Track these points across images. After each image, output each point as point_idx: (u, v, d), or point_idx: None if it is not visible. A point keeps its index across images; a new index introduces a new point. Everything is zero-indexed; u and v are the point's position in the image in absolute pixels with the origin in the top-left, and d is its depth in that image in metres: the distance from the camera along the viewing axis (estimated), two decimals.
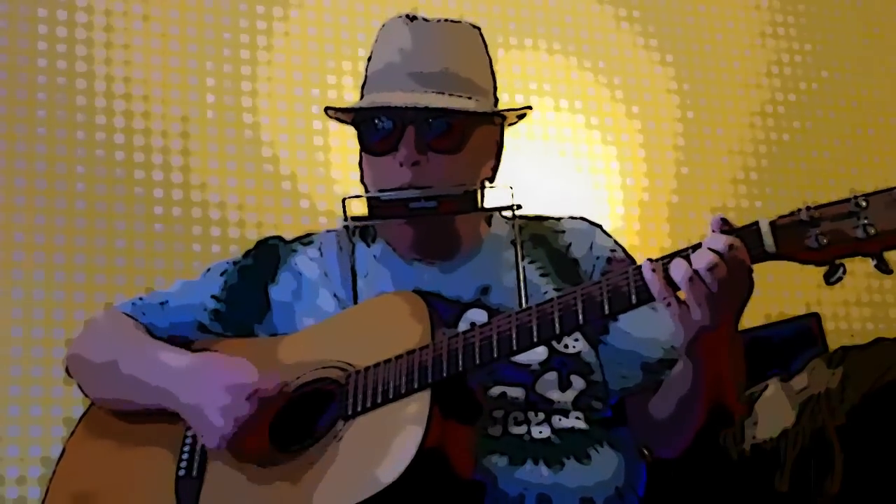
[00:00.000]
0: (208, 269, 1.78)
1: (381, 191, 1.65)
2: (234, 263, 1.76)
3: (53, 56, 2.87)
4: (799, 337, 2.78)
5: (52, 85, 2.86)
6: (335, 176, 2.99)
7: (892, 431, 2.07)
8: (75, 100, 2.87)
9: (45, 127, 2.83)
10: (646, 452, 1.66)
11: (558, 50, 3.42)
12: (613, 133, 3.40)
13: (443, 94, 1.63)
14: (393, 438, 1.42)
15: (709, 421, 1.54)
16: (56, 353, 2.58)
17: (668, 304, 1.35)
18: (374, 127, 1.64)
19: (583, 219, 1.78)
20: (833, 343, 2.66)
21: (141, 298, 1.77)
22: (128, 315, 1.74)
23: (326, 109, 1.72)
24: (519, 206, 1.64)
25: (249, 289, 1.72)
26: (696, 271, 1.33)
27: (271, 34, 3.11)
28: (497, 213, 1.75)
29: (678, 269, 1.34)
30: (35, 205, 2.77)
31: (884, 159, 3.67)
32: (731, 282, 1.33)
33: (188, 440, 1.58)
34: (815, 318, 2.90)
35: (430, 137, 1.62)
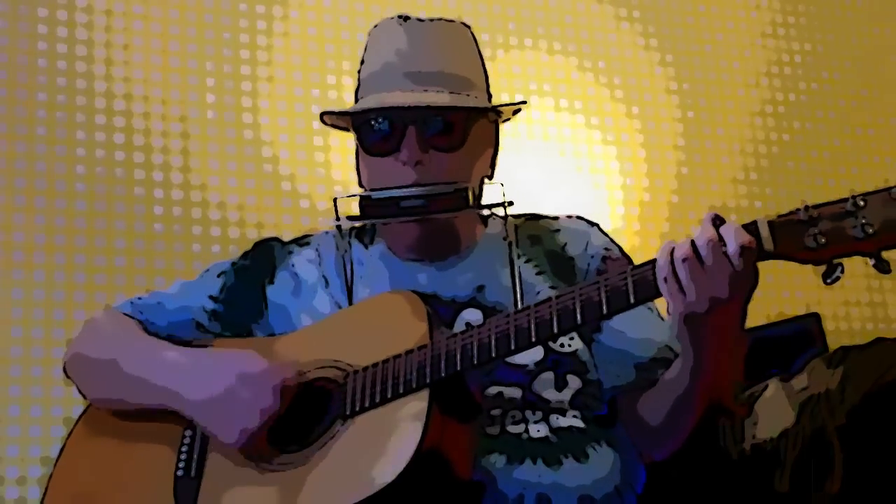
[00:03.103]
0: (206, 270, 1.79)
1: (372, 190, 1.65)
2: (233, 265, 1.77)
3: (53, 56, 2.87)
4: (799, 337, 2.78)
5: (52, 85, 2.85)
6: (335, 176, 2.99)
7: (892, 431, 2.07)
8: (75, 100, 2.86)
9: (45, 127, 2.82)
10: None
11: (558, 50, 3.41)
12: (613, 133, 3.40)
13: (442, 91, 1.63)
14: (391, 438, 1.42)
15: (706, 420, 1.54)
16: (56, 353, 2.56)
17: (665, 280, 1.35)
18: (375, 128, 1.65)
19: (580, 218, 1.78)
20: (833, 343, 2.65)
21: (140, 298, 1.78)
22: (126, 315, 1.74)
23: (322, 115, 1.72)
24: (510, 203, 1.64)
25: (247, 289, 1.73)
26: (693, 244, 1.32)
27: (271, 34, 3.11)
28: (493, 213, 1.75)
29: (680, 248, 1.34)
30: (35, 205, 2.77)
31: (884, 159, 3.67)
32: (732, 263, 1.32)
33: (186, 439, 1.58)
34: (815, 318, 2.90)
35: (432, 136, 1.62)
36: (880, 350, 2.25)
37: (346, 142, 2.90)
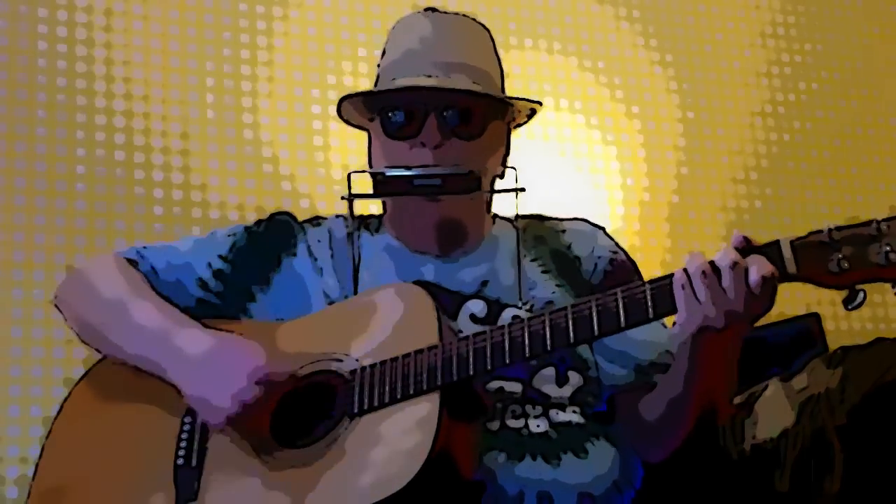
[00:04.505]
0: (213, 232, 1.77)
1: (386, 167, 1.65)
2: (245, 228, 1.75)
3: (53, 56, 2.87)
4: (799, 337, 2.78)
5: (52, 85, 2.85)
6: (335, 176, 2.98)
7: (892, 431, 2.07)
8: (75, 100, 2.86)
9: (45, 127, 2.82)
10: None
11: (558, 50, 3.41)
12: (613, 133, 3.40)
13: (465, 80, 1.64)
14: (402, 441, 1.42)
15: (698, 426, 1.54)
16: (56, 354, 2.57)
17: (682, 287, 1.35)
18: (397, 111, 1.65)
19: (585, 220, 1.78)
20: (833, 343, 2.65)
21: (146, 247, 1.75)
22: (130, 260, 1.72)
23: (342, 100, 1.71)
24: (522, 189, 1.65)
25: (257, 253, 1.71)
26: (713, 264, 1.33)
27: (271, 34, 3.11)
28: (498, 215, 1.76)
29: (693, 260, 1.34)
30: (35, 205, 2.77)
31: (884, 159, 3.67)
32: (752, 291, 1.32)
33: (186, 426, 1.57)
34: (815, 318, 2.90)
35: (453, 122, 1.64)
36: (880, 350, 2.25)
37: (346, 141, 2.89)
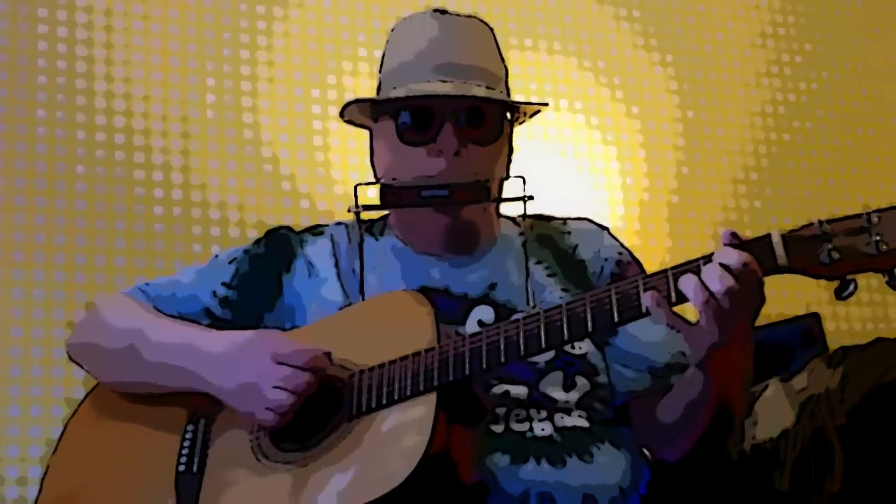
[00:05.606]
0: (215, 257, 1.77)
1: (392, 178, 1.65)
2: (245, 252, 1.75)
3: (53, 56, 2.87)
4: (799, 337, 2.78)
5: (52, 85, 2.86)
6: (335, 176, 2.98)
7: (892, 431, 2.07)
8: (75, 100, 2.87)
9: (45, 127, 2.83)
10: (647, 453, 1.66)
11: (558, 50, 3.42)
12: (613, 133, 3.40)
13: (480, 85, 1.64)
14: (398, 441, 1.42)
15: (712, 423, 1.54)
16: (56, 354, 2.57)
17: (678, 331, 1.36)
18: (412, 116, 1.64)
19: (589, 220, 1.78)
20: (833, 343, 2.65)
21: (147, 285, 1.75)
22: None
23: (349, 103, 1.70)
24: (531, 198, 1.64)
25: (261, 277, 1.71)
26: (711, 293, 1.32)
27: (271, 34, 3.11)
28: (502, 215, 1.76)
29: (691, 289, 1.33)
30: (35, 205, 2.77)
31: (884, 159, 3.67)
32: (743, 298, 1.32)
33: (188, 434, 1.58)
34: (815, 318, 2.90)
35: (470, 128, 1.63)
36: (880, 350, 2.25)
37: (346, 141, 2.89)
